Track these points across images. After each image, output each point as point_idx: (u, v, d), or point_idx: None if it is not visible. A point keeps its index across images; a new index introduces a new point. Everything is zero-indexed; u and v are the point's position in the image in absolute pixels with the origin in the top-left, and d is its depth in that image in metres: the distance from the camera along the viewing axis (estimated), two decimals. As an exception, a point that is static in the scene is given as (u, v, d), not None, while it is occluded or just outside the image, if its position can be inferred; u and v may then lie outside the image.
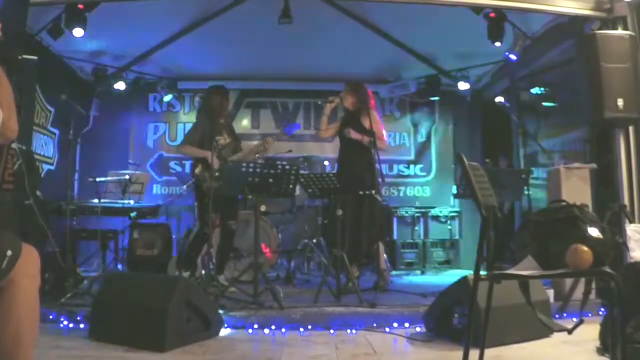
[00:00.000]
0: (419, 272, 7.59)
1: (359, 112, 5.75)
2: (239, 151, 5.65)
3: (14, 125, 2.00)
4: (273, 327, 4.07)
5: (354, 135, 5.65)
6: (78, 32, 5.58)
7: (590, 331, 3.13)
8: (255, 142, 6.11)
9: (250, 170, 4.68)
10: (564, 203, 2.75)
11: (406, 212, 8.06)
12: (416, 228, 8.00)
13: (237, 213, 5.71)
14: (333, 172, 6.05)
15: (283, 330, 4.05)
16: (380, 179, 5.44)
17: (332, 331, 4.05)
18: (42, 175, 6.50)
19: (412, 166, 8.88)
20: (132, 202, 6.45)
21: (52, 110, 7.03)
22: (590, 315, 4.18)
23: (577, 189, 4.83)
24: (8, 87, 1.98)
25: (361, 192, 5.20)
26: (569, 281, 4.48)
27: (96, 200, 6.08)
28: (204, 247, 5.61)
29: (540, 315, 2.56)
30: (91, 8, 5.46)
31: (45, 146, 6.95)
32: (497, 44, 5.85)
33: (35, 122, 6.42)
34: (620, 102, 4.63)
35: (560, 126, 6.61)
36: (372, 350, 3.53)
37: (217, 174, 5.30)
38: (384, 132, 5.99)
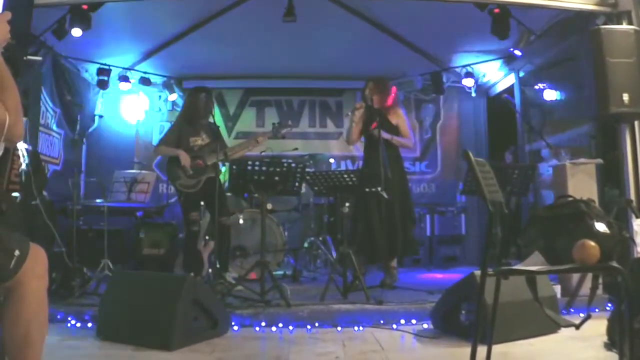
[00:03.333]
0: (425, 268, 7.59)
1: (384, 109, 5.68)
2: (219, 151, 5.36)
3: (20, 130, 2.00)
4: (280, 324, 4.08)
5: (385, 135, 5.50)
6: (78, 32, 5.60)
7: (597, 326, 3.13)
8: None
9: (256, 168, 4.68)
10: (570, 198, 2.75)
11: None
12: (422, 225, 7.99)
13: (228, 209, 5.61)
14: (347, 169, 5.96)
15: (290, 327, 4.06)
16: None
17: (339, 328, 4.06)
18: (48, 175, 6.52)
19: (417, 163, 8.85)
20: (138, 201, 6.47)
21: (58, 110, 7.04)
22: (597, 310, 4.18)
23: (583, 184, 4.82)
24: (15, 91, 1.99)
25: (367, 189, 5.14)
26: (576, 276, 4.45)
27: (102, 200, 6.09)
28: (209, 246, 5.63)
29: (548, 311, 2.55)
30: (95, 8, 5.48)
31: (51, 146, 6.96)
32: (503, 40, 5.84)
33: (40, 123, 6.45)
34: (625, 97, 4.61)
35: (565, 122, 6.60)
36: (379, 347, 3.54)
37: (190, 172, 5.32)
38: (410, 131, 5.90)
